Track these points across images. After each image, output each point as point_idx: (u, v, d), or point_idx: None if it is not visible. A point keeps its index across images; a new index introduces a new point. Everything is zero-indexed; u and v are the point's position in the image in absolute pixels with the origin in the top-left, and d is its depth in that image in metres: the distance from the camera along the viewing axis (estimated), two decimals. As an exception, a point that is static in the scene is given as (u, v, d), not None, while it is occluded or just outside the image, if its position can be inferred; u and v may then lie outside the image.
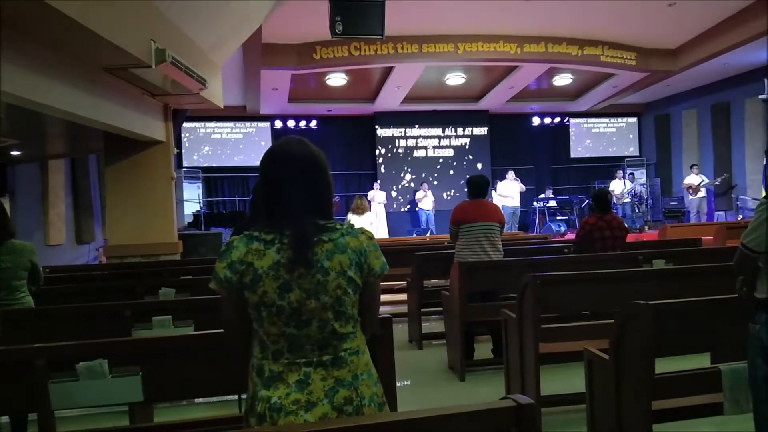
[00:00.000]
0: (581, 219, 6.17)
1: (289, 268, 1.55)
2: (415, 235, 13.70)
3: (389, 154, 15.86)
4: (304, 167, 1.64)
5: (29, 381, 2.17)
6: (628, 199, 14.10)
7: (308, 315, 1.56)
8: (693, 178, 13.32)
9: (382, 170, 15.73)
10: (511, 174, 13.98)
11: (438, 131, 16.04)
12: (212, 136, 15.50)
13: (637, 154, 17.21)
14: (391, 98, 14.31)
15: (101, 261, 10.55)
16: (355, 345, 1.64)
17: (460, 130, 16.09)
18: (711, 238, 8.47)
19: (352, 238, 1.63)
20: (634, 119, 17.34)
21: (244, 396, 3.64)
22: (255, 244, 1.58)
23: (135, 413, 3.45)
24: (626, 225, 5.42)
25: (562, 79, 14.02)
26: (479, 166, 15.88)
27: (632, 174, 15.17)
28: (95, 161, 12.62)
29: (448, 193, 15.73)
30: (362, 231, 1.68)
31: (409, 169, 15.91)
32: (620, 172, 14.76)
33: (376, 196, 14.33)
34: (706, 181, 13.33)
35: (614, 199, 14.08)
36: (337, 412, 1.55)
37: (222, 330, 1.72)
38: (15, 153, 9.23)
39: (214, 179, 15.60)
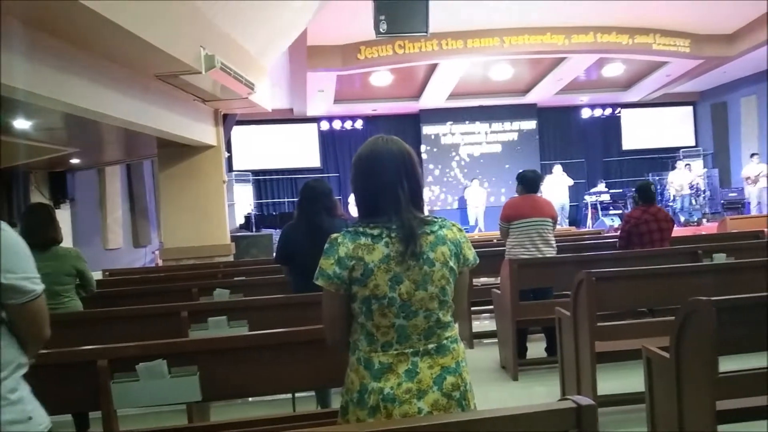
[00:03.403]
0: (625, 214, 5.96)
1: (399, 261, 1.61)
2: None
3: (435, 152, 15.76)
4: (403, 163, 1.71)
5: (93, 381, 2.25)
6: (688, 191, 13.63)
7: (416, 305, 1.62)
8: (752, 168, 12.76)
9: (429, 168, 15.65)
10: (558, 168, 13.71)
11: (485, 126, 15.83)
12: (261, 138, 15.74)
13: (693, 144, 16.59)
14: (436, 95, 14.24)
15: (157, 263, 10.86)
16: (454, 333, 1.71)
17: (507, 125, 15.84)
18: (774, 229, 8.10)
19: (448, 230, 1.70)
20: (689, 108, 16.73)
21: (298, 395, 3.71)
22: (363, 240, 1.63)
23: (193, 411, 3.53)
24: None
25: (613, 69, 13.67)
26: (527, 161, 15.44)
27: (689, 165, 14.65)
28: (150, 167, 13.00)
29: (496, 189, 15.49)
30: (453, 224, 1.75)
31: (456, 166, 15.77)
32: (680, 162, 14.26)
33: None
34: None
35: (673, 191, 13.65)
36: (447, 398, 1.61)
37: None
38: (75, 161, 9.60)
39: (263, 181, 15.85)
